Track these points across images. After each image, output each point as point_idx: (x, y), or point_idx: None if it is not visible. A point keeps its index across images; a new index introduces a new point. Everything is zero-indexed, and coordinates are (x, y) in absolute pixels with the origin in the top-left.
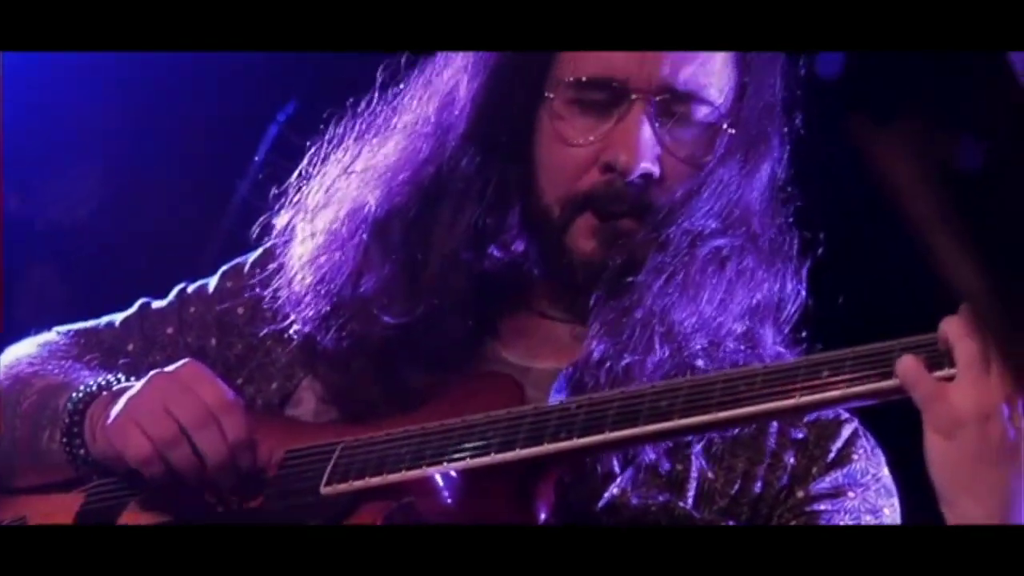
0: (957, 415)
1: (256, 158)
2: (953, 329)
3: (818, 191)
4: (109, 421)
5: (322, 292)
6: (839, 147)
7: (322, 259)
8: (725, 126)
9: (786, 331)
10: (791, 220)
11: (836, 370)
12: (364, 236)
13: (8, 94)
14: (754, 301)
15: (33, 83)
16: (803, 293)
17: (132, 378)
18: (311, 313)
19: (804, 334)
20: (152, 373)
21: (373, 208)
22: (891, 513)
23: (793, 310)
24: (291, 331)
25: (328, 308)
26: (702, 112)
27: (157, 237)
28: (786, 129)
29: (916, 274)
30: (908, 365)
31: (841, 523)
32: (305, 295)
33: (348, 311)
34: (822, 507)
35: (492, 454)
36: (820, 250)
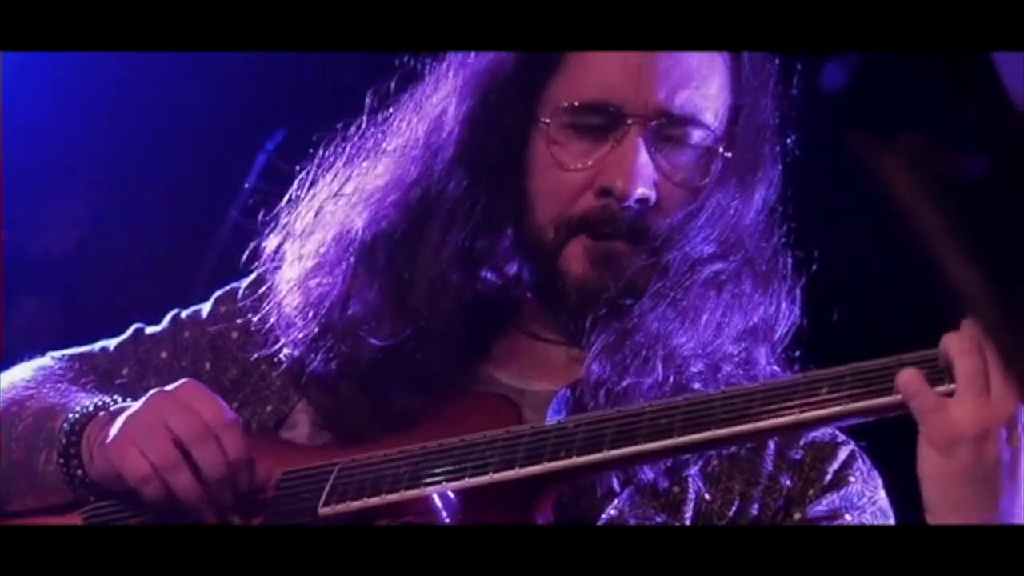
0: (955, 431)
1: (246, 185)
2: (954, 345)
3: (811, 209)
4: (108, 440)
5: (310, 315)
6: (832, 165)
7: (311, 283)
8: (721, 149)
9: (779, 351)
10: (784, 240)
11: (836, 386)
12: (351, 259)
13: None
14: (749, 324)
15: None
16: (797, 313)
17: (128, 399)
18: (300, 336)
19: (798, 353)
20: (151, 392)
21: (360, 231)
22: None
23: (787, 330)
24: (282, 355)
25: (317, 331)
26: (698, 136)
27: (148, 263)
28: (779, 149)
29: (911, 290)
30: (909, 378)
31: None
32: (294, 318)
33: (336, 334)
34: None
35: (491, 473)
36: (814, 267)
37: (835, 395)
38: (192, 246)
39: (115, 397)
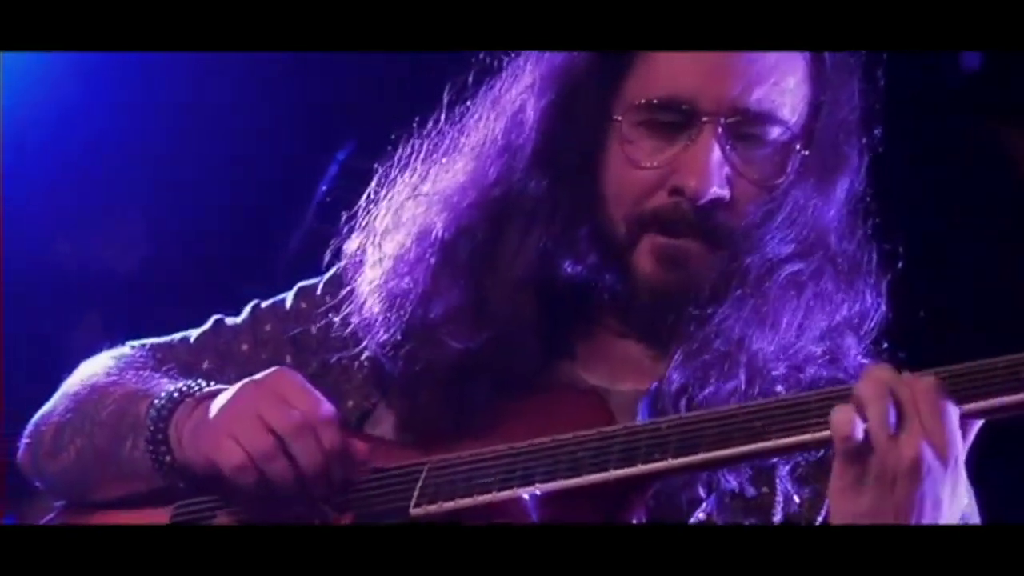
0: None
1: (322, 189)
2: (864, 391)
3: (897, 202)
4: (199, 430)
5: (392, 319)
6: (920, 157)
7: (391, 284)
8: (798, 147)
9: (867, 343)
10: (870, 233)
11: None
12: (432, 260)
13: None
14: (833, 322)
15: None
16: (883, 307)
17: (212, 383)
18: (382, 339)
19: (885, 346)
20: (243, 382)
21: (440, 232)
22: None
23: (873, 324)
24: (363, 357)
25: (398, 336)
26: (774, 133)
27: (222, 264)
28: (864, 141)
29: (999, 283)
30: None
31: None
32: (376, 321)
33: (417, 338)
34: None
35: (584, 474)
36: (900, 264)
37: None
38: (267, 246)
39: (199, 382)
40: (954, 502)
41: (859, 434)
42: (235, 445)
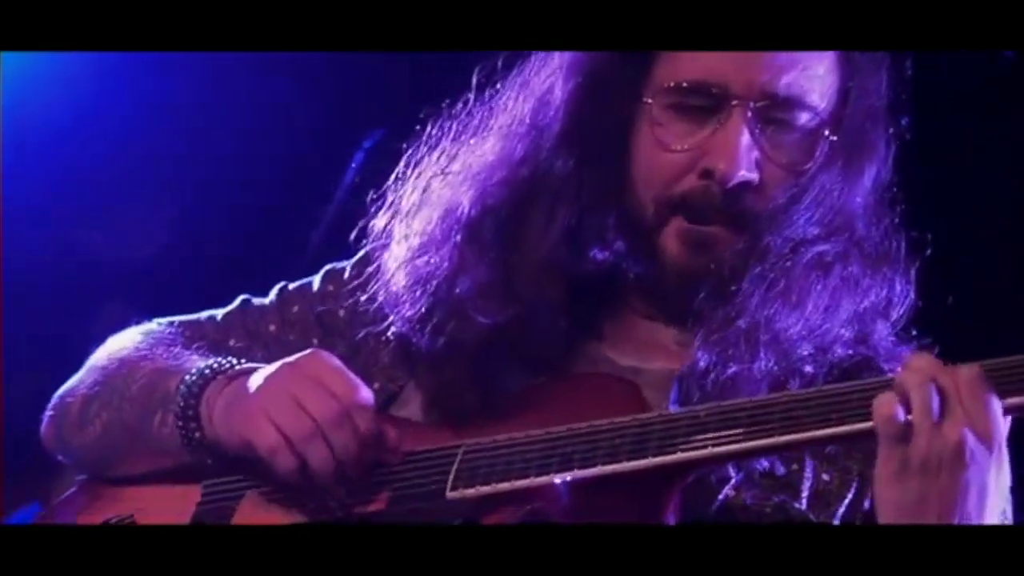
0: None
1: (348, 180)
2: (908, 379)
3: (926, 190)
4: (232, 408)
5: (418, 293)
6: (948, 147)
7: (418, 261)
8: (827, 132)
9: (897, 330)
10: (897, 221)
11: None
12: (458, 237)
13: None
14: (861, 306)
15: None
16: (912, 295)
17: (243, 360)
18: (408, 314)
19: (914, 333)
20: (279, 363)
21: (467, 209)
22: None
23: (903, 311)
24: (390, 333)
25: (424, 310)
26: (803, 118)
27: (251, 245)
28: (892, 130)
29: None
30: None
31: None
32: (402, 297)
33: (443, 313)
34: None
35: (624, 461)
36: (928, 251)
37: None
38: (294, 229)
39: (231, 359)
40: (999, 490)
41: (902, 421)
42: (271, 427)
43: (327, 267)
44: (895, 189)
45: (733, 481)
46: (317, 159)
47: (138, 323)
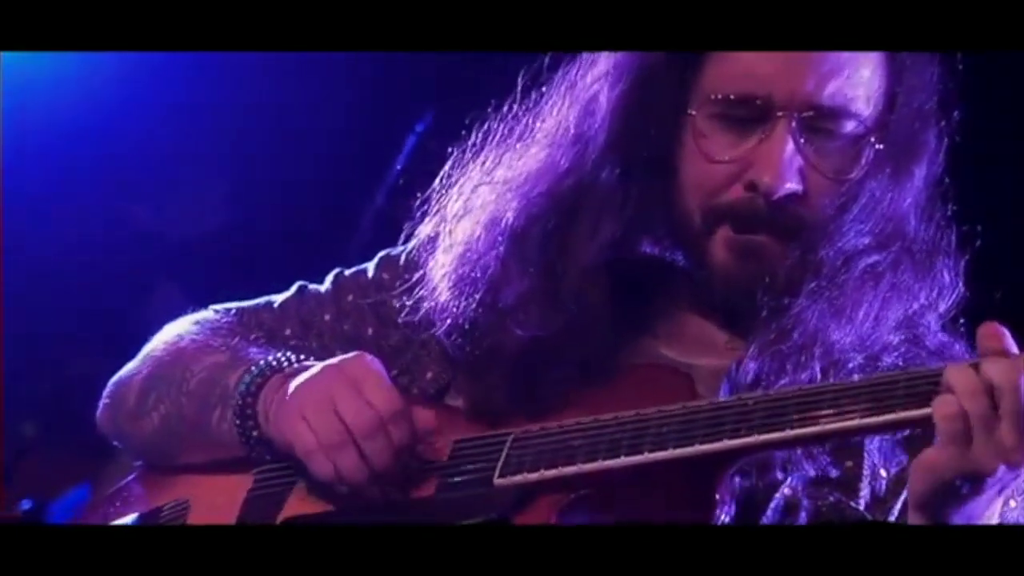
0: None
1: (397, 167)
2: (959, 384)
3: (977, 183)
4: (281, 408)
5: (462, 304)
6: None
7: (461, 271)
8: (873, 139)
9: (946, 321)
10: (949, 215)
11: None
12: (502, 248)
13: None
14: (911, 310)
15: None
16: (961, 287)
17: (302, 357)
18: (452, 324)
19: (962, 322)
20: (322, 366)
21: (511, 219)
22: None
23: (951, 304)
24: (434, 341)
25: (468, 321)
26: (849, 126)
27: (296, 241)
28: (943, 124)
29: None
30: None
31: (1011, 501)
32: (447, 305)
33: (486, 323)
34: None
35: (671, 448)
36: (978, 243)
37: None
38: (341, 223)
39: (288, 355)
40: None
41: (961, 427)
42: (307, 430)
43: (382, 253)
44: (947, 180)
45: (790, 479)
46: (368, 143)
47: (194, 311)
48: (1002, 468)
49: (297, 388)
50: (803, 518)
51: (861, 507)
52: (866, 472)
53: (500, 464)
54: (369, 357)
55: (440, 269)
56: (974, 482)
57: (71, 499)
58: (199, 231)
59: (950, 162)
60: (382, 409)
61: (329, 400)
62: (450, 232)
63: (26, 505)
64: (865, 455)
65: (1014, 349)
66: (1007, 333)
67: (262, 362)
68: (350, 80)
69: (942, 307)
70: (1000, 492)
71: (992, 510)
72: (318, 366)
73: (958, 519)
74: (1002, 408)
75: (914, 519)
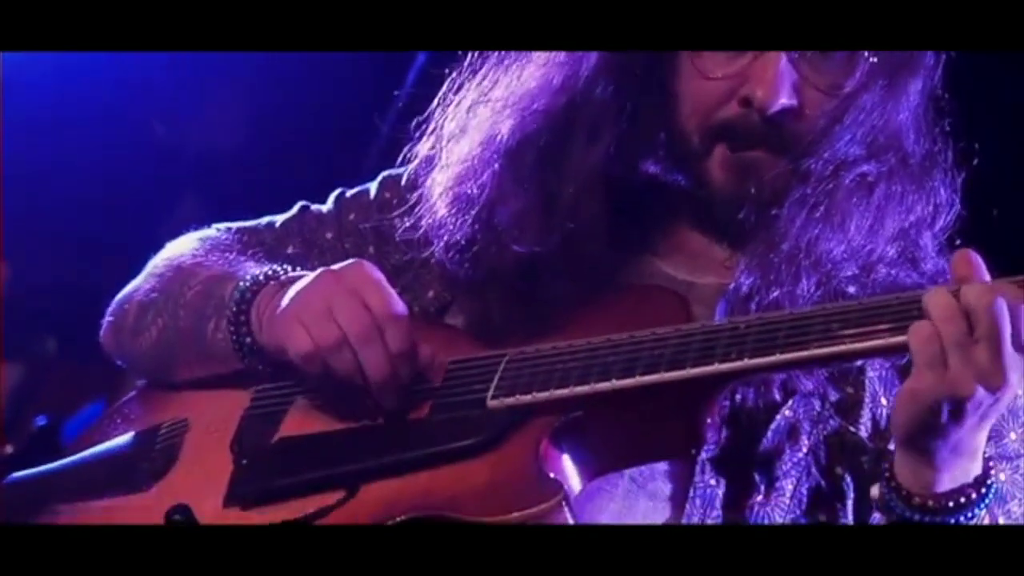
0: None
1: (399, 91)
2: (935, 309)
3: (974, 99)
4: (276, 313)
5: (459, 221)
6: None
7: (459, 188)
8: (867, 53)
9: (943, 240)
10: (947, 131)
11: None
12: (497, 165)
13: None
14: (907, 223)
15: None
16: (958, 203)
17: (298, 268)
18: (449, 241)
19: (959, 243)
20: (320, 271)
21: (506, 137)
22: None
23: (949, 220)
24: (433, 259)
25: (465, 238)
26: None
27: (303, 160)
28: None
29: None
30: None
31: (1002, 475)
32: (445, 222)
33: (484, 240)
34: (985, 452)
35: (663, 371)
36: (976, 161)
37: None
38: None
39: (285, 266)
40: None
41: (936, 349)
42: (304, 333)
43: (384, 173)
44: (946, 96)
45: (791, 401)
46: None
47: (196, 229)
48: (980, 391)
49: (295, 294)
50: (803, 443)
51: (862, 434)
52: (867, 400)
53: (493, 386)
54: (367, 264)
55: (438, 187)
56: (954, 407)
57: (86, 415)
58: (214, 149)
59: (948, 77)
60: (379, 314)
61: (326, 305)
62: (447, 151)
63: (41, 421)
64: (866, 382)
65: (986, 277)
66: (980, 262)
67: (258, 271)
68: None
69: (939, 224)
70: (981, 420)
71: (976, 443)
72: (315, 273)
73: (944, 452)
74: (978, 332)
75: (902, 459)
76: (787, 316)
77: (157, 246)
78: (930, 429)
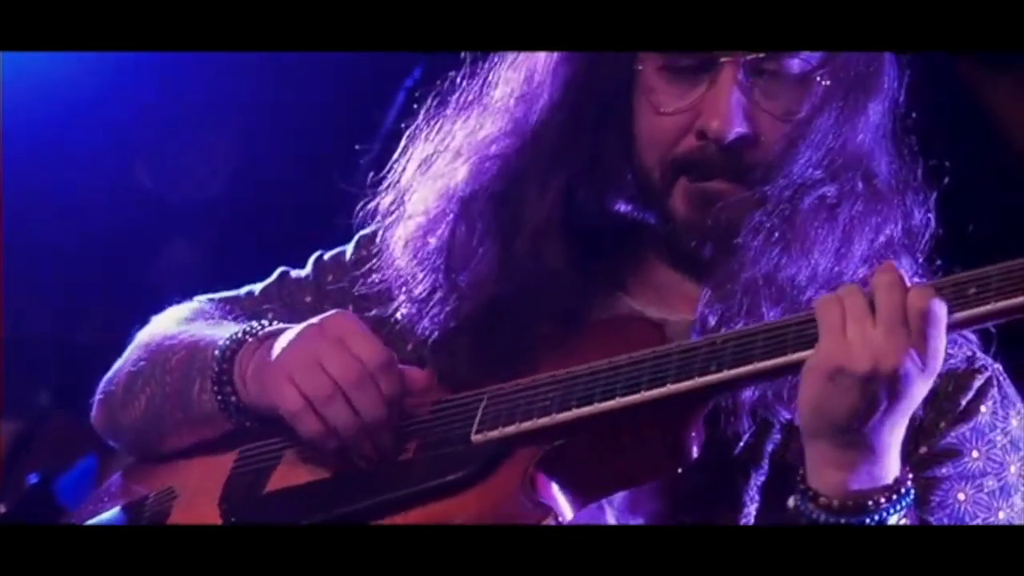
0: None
1: (372, 138)
2: (880, 278)
3: (940, 117)
4: (262, 370)
5: (420, 275)
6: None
7: (417, 241)
8: (818, 77)
9: (921, 261)
10: (915, 149)
11: (983, 286)
12: (452, 216)
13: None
14: (877, 243)
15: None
16: (932, 222)
17: (276, 322)
18: (411, 294)
19: (939, 263)
20: (303, 324)
21: (461, 186)
22: (1018, 470)
23: (924, 240)
24: (399, 314)
25: (424, 291)
26: (794, 65)
27: (286, 212)
28: (903, 59)
29: None
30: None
31: (961, 495)
32: (404, 277)
33: (443, 292)
34: (943, 471)
35: (643, 391)
36: (947, 178)
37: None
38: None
39: (263, 322)
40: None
41: (838, 320)
42: (294, 389)
43: (359, 234)
44: (913, 115)
45: (753, 430)
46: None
47: (179, 302)
48: (873, 367)
49: (280, 351)
50: (771, 466)
51: None
52: None
53: (477, 421)
54: (349, 313)
55: (399, 241)
56: (850, 383)
57: (78, 471)
58: (199, 204)
59: (913, 96)
60: (368, 361)
61: (314, 358)
62: (407, 204)
63: (33, 479)
64: None
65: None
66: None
67: (236, 329)
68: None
69: (916, 246)
70: (882, 417)
71: (879, 444)
72: (298, 327)
73: (845, 447)
74: (876, 307)
75: (808, 457)
76: (762, 327)
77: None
78: (829, 408)
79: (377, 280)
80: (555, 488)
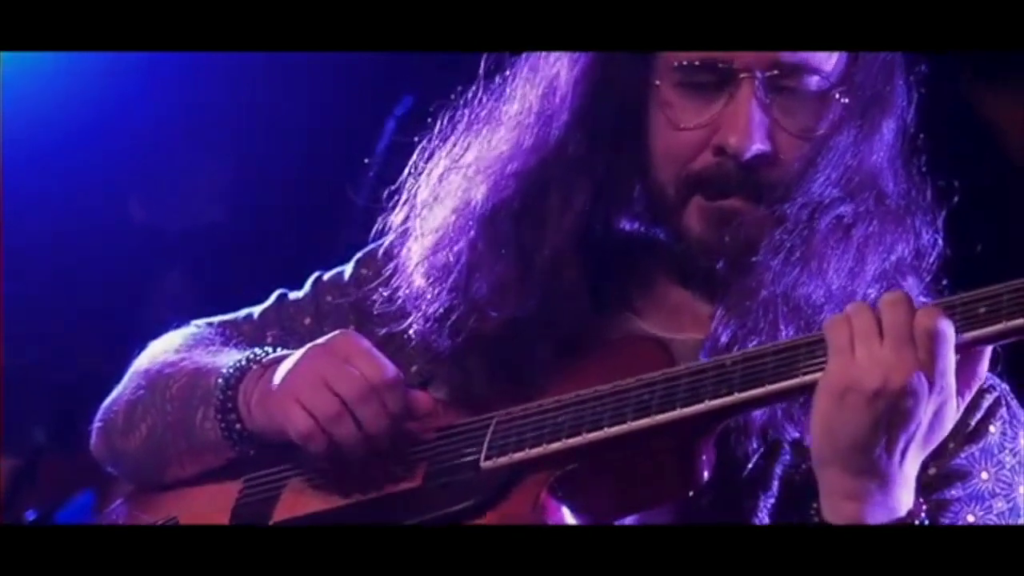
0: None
1: (369, 158)
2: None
3: (950, 137)
4: (268, 396)
5: (436, 292)
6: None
7: (434, 258)
8: (837, 95)
9: (927, 280)
10: (924, 169)
11: (994, 306)
12: (472, 233)
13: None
14: (888, 263)
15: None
16: (940, 242)
17: (279, 349)
18: (427, 311)
19: (945, 283)
20: (307, 347)
21: (480, 203)
22: None
23: (932, 260)
24: (411, 331)
25: (441, 308)
26: (813, 82)
27: (283, 237)
28: (912, 77)
29: None
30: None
31: (970, 516)
32: (422, 294)
33: (462, 309)
34: (952, 493)
35: (652, 415)
36: (956, 198)
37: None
38: (327, 215)
39: (266, 349)
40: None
41: (846, 340)
42: (302, 410)
43: (359, 253)
44: (920, 137)
45: (762, 451)
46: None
47: (177, 327)
48: (882, 384)
49: (285, 373)
50: (779, 487)
51: None
52: None
53: (485, 447)
54: (353, 333)
55: (413, 258)
56: (860, 400)
57: (76, 506)
58: (196, 227)
59: (923, 117)
60: (373, 378)
61: (320, 378)
62: (421, 220)
63: (31, 516)
64: None
65: None
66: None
67: (239, 357)
68: (335, 78)
69: (922, 266)
70: (891, 441)
71: (891, 476)
72: (301, 350)
73: (858, 474)
74: (883, 326)
75: (822, 488)
76: (772, 348)
77: (139, 331)
78: (839, 428)
79: (384, 298)
80: (566, 513)
